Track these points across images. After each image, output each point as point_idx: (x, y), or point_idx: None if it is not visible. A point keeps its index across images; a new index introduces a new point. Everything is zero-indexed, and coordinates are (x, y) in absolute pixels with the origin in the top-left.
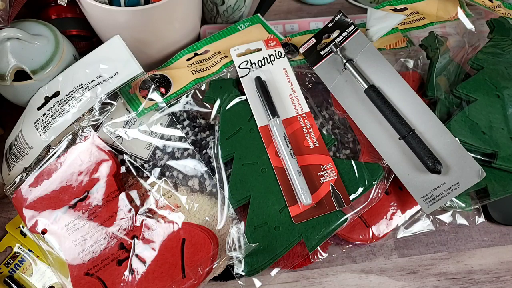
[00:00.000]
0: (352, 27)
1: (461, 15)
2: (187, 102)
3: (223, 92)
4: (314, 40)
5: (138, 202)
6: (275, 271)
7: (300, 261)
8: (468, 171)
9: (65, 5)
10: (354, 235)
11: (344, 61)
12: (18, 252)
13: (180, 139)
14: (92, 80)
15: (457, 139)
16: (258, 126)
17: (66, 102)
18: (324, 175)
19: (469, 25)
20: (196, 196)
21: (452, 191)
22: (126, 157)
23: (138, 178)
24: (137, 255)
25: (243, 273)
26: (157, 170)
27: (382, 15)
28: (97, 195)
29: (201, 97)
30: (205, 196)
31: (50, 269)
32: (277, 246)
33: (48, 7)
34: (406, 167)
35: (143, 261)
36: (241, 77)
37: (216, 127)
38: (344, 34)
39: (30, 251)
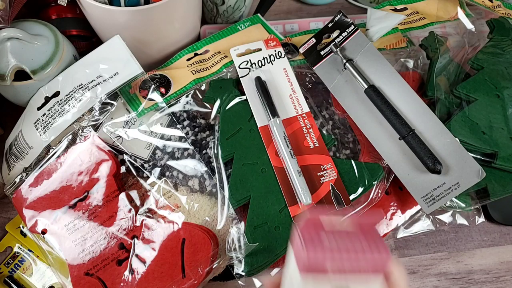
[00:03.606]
0: (352, 27)
1: (461, 15)
2: (187, 102)
3: (223, 92)
4: (314, 40)
5: (138, 202)
6: (275, 271)
7: None
8: (468, 171)
9: (65, 5)
10: None
11: (344, 61)
12: (18, 252)
13: (180, 139)
14: (92, 80)
15: (457, 139)
16: (258, 126)
17: (66, 102)
18: (324, 175)
19: (469, 25)
20: (196, 196)
21: (452, 191)
22: (126, 157)
23: (138, 178)
24: (137, 255)
25: (243, 273)
26: (157, 170)
27: (382, 15)
28: (97, 195)
29: (201, 97)
30: (205, 196)
31: (50, 269)
32: (277, 246)
33: (48, 7)
34: (406, 167)
35: (143, 261)
36: (241, 77)
37: (216, 127)
38: (344, 34)
39: (30, 251)
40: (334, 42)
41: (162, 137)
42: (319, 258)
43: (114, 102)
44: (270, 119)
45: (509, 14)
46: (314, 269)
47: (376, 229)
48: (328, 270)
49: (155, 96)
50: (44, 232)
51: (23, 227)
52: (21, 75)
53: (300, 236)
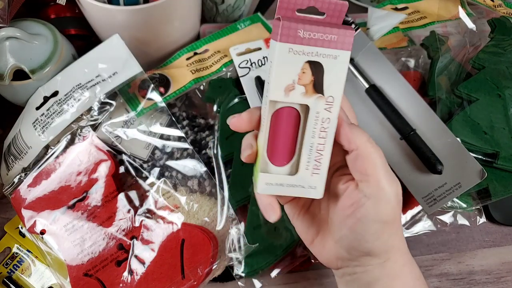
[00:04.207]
0: (353, 26)
1: (462, 14)
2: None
3: (223, 92)
4: None
5: (137, 203)
6: (275, 272)
7: (300, 262)
8: (470, 171)
9: (64, 4)
10: None
11: None
12: (16, 253)
13: (180, 139)
14: (91, 80)
15: (458, 139)
16: None
17: (65, 102)
18: None
19: (470, 25)
20: (195, 197)
21: (453, 191)
22: (125, 157)
23: (137, 178)
24: (136, 256)
25: (242, 274)
26: (156, 170)
27: (383, 14)
28: (96, 195)
29: (200, 96)
30: (204, 197)
31: (49, 269)
32: (277, 247)
33: (47, 6)
34: (407, 167)
35: (142, 262)
36: (240, 76)
37: (216, 127)
38: None
39: (29, 251)
40: None
41: (161, 137)
42: (292, 26)
43: (113, 102)
44: None
45: (510, 14)
46: (288, 35)
47: (343, 13)
48: (301, 38)
49: (154, 95)
50: (43, 232)
51: (21, 227)
52: (19, 74)
53: (277, 13)
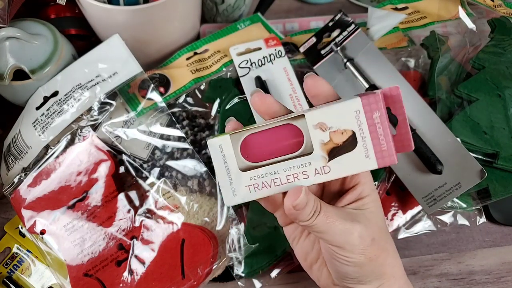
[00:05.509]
0: (353, 26)
1: (462, 14)
2: (186, 102)
3: (223, 92)
4: (314, 39)
5: (137, 203)
6: (275, 272)
7: None
8: (469, 171)
9: (64, 4)
10: None
11: (345, 60)
12: (16, 253)
13: (180, 139)
14: (91, 80)
15: (458, 139)
16: None
17: (65, 102)
18: None
19: (470, 25)
20: (195, 197)
21: (453, 191)
22: (125, 157)
23: (137, 178)
24: (136, 256)
25: (242, 274)
26: (156, 170)
27: (383, 14)
28: (96, 195)
29: (200, 96)
30: (204, 197)
31: (49, 269)
32: (277, 247)
33: (47, 6)
34: (407, 167)
35: (142, 262)
36: (240, 76)
37: (216, 127)
38: (345, 33)
39: (29, 251)
40: (334, 41)
41: (161, 137)
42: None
43: (113, 102)
44: None
45: (510, 14)
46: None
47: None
48: (373, 120)
49: (154, 95)
50: (42, 232)
51: (21, 227)
52: (19, 74)
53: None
